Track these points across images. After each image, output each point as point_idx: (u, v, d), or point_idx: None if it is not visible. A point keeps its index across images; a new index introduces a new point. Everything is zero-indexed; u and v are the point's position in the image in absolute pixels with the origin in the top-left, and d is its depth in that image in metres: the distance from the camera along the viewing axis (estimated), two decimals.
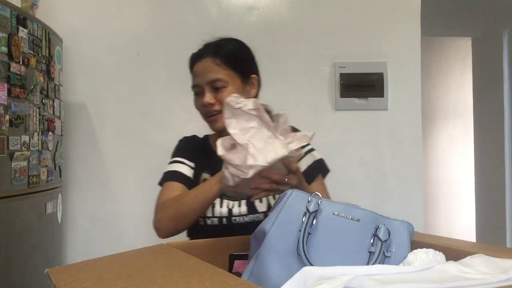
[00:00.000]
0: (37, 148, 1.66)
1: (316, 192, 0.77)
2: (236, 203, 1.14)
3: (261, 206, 1.13)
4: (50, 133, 1.79)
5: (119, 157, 2.13)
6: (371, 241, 0.73)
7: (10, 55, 1.49)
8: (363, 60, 2.18)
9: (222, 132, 1.21)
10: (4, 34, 1.47)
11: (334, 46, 2.17)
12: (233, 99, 0.91)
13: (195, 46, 2.14)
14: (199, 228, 1.13)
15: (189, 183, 1.19)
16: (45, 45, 1.77)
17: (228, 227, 1.11)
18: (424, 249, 0.71)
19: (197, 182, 1.19)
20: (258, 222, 0.83)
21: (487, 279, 0.56)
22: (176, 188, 1.17)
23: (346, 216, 0.75)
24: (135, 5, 2.15)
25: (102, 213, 2.11)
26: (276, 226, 0.74)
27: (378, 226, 0.74)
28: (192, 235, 1.19)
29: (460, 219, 4.43)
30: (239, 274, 0.77)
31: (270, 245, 0.73)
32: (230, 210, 1.13)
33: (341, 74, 2.16)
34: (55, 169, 1.85)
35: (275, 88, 1.92)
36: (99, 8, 2.14)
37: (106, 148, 2.14)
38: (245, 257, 0.85)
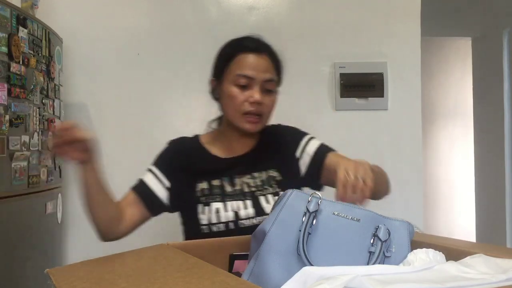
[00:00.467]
0: (37, 148, 1.66)
1: (316, 192, 0.77)
2: (242, 205, 1.10)
3: (268, 207, 1.09)
4: (50, 133, 1.79)
5: (119, 157, 2.13)
6: (371, 241, 0.73)
7: (10, 55, 1.49)
8: (363, 60, 2.18)
9: (248, 135, 1.18)
10: (4, 34, 1.47)
11: (334, 46, 2.17)
12: None
13: (195, 46, 2.15)
14: (204, 235, 1.08)
15: (149, 197, 1.18)
16: (45, 45, 1.77)
17: (235, 232, 1.05)
18: (424, 249, 0.71)
19: (162, 202, 1.17)
20: None
21: (487, 279, 0.56)
22: (127, 196, 1.20)
23: (346, 216, 0.75)
24: (135, 5, 2.15)
25: None
26: (276, 226, 0.74)
27: (378, 226, 0.74)
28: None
29: (460, 219, 4.43)
30: (239, 274, 0.77)
31: (270, 245, 0.73)
32: (236, 213, 1.09)
33: (341, 74, 2.16)
34: (55, 169, 1.85)
35: None
36: (99, 8, 2.14)
37: (106, 148, 2.13)
38: (245, 257, 0.85)
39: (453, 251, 0.73)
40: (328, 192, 1.24)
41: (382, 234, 0.73)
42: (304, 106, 2.16)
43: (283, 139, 1.24)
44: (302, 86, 2.16)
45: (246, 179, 1.14)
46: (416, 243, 0.78)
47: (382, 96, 2.18)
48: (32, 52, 1.64)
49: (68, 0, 2.14)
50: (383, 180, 1.14)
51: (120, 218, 1.13)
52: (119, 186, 2.12)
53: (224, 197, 1.12)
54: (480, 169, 3.42)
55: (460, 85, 4.45)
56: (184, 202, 1.13)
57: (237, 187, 1.13)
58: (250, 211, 1.09)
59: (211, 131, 1.31)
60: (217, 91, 1.22)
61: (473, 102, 3.51)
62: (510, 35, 3.07)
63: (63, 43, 2.02)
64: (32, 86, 1.63)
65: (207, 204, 1.11)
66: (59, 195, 1.91)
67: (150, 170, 1.22)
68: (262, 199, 1.11)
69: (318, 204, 0.74)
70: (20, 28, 1.56)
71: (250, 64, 1.12)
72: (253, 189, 1.13)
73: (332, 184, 1.05)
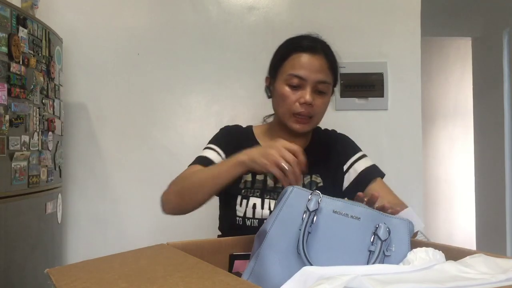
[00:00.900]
0: (37, 148, 1.66)
1: (316, 191, 0.76)
2: None
3: None
4: (50, 133, 1.79)
5: (119, 157, 2.13)
6: (371, 240, 0.73)
7: (10, 55, 1.49)
8: (363, 60, 2.18)
9: (297, 135, 1.18)
10: (4, 34, 1.47)
11: (334, 46, 2.16)
12: None
13: (195, 46, 2.15)
14: (237, 227, 1.10)
15: None
16: (45, 45, 1.77)
17: None
18: (423, 248, 0.71)
19: None
20: None
21: (487, 279, 0.56)
22: (196, 170, 1.11)
23: (346, 214, 0.75)
24: (135, 5, 2.15)
25: (102, 213, 2.11)
26: (276, 225, 0.74)
27: (378, 225, 0.74)
28: (227, 232, 1.15)
29: (460, 219, 4.43)
30: (239, 274, 0.77)
31: (270, 244, 0.73)
32: (271, 212, 1.09)
33: (341, 74, 2.14)
34: (55, 169, 1.85)
35: None
36: (99, 8, 2.14)
37: (106, 148, 2.14)
38: (245, 257, 0.85)
39: (453, 251, 0.73)
40: None
41: (382, 233, 0.73)
42: None
43: (334, 147, 1.24)
44: None
45: None
46: (415, 243, 0.78)
47: (382, 96, 2.18)
48: (32, 52, 1.64)
49: (68, 0, 2.14)
50: None
51: None
52: (119, 186, 2.13)
53: (263, 193, 1.12)
54: (480, 169, 3.42)
55: (460, 85, 4.45)
56: (228, 188, 1.08)
57: (279, 185, 1.13)
58: None
59: (264, 124, 1.31)
60: (270, 89, 1.21)
61: (473, 102, 3.51)
62: (510, 35, 3.07)
63: (63, 43, 2.02)
64: (32, 86, 1.63)
65: (246, 197, 1.12)
66: (59, 195, 1.91)
67: (209, 148, 1.19)
68: None
69: (318, 203, 0.74)
70: (20, 28, 1.56)
71: (303, 64, 1.11)
72: None
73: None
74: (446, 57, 4.52)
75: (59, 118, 1.91)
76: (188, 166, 1.16)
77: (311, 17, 2.17)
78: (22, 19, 1.58)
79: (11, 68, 1.50)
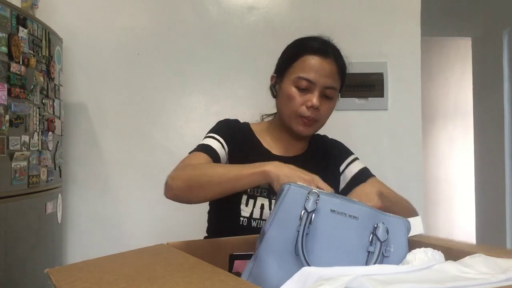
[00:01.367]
0: (37, 148, 1.66)
1: (314, 189, 0.75)
2: None
3: None
4: (50, 133, 1.79)
5: (119, 157, 2.13)
6: (370, 240, 0.73)
7: (10, 55, 1.49)
8: (363, 60, 2.18)
9: (304, 137, 1.18)
10: (4, 34, 1.47)
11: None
12: None
13: (195, 46, 2.15)
14: (240, 228, 1.06)
15: (217, 161, 1.09)
16: (45, 45, 1.77)
17: None
18: (422, 248, 0.71)
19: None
20: None
21: (487, 279, 0.56)
22: (201, 158, 1.07)
23: (344, 213, 0.74)
24: (135, 5, 2.16)
25: (102, 213, 2.11)
26: (274, 226, 0.73)
27: (376, 225, 0.74)
28: (224, 234, 1.11)
29: (460, 219, 4.43)
30: (239, 274, 0.77)
31: (268, 245, 0.72)
32: None
33: None
34: (55, 169, 1.85)
35: None
36: (99, 8, 2.14)
37: (106, 148, 2.14)
38: (245, 257, 0.84)
39: (453, 251, 0.73)
40: None
41: (381, 233, 0.73)
42: None
43: (330, 151, 1.25)
44: None
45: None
46: (415, 243, 0.78)
47: (382, 96, 2.18)
48: (32, 52, 1.64)
49: (68, 0, 2.14)
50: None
51: None
52: (119, 186, 2.13)
53: (270, 193, 1.09)
54: (480, 169, 3.42)
55: (460, 85, 4.45)
56: None
57: None
58: None
59: (262, 122, 1.29)
60: (275, 88, 1.19)
61: (473, 102, 3.51)
62: (510, 35, 3.07)
63: (63, 43, 2.02)
64: (32, 86, 1.63)
65: (252, 197, 1.08)
66: (59, 195, 1.91)
67: (211, 137, 1.14)
68: None
69: (316, 203, 0.73)
70: (20, 28, 1.56)
71: (313, 67, 1.09)
72: None
73: None
74: (446, 57, 4.52)
75: (59, 118, 1.91)
76: (190, 153, 1.11)
77: (311, 17, 2.17)
78: (22, 19, 1.58)
79: (11, 68, 1.50)
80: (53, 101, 1.84)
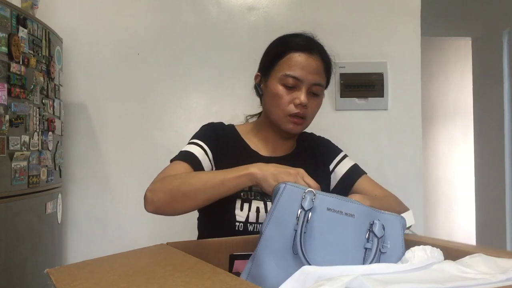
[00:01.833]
0: (37, 148, 1.66)
1: (310, 188, 0.75)
2: None
3: None
4: (50, 133, 1.79)
5: (119, 157, 2.13)
6: (366, 237, 0.73)
7: (10, 55, 1.49)
8: (363, 60, 2.18)
9: (292, 136, 1.17)
10: (4, 34, 1.47)
11: (334, 46, 2.16)
12: None
13: (195, 46, 2.15)
14: (236, 234, 1.02)
15: (200, 168, 1.07)
16: (45, 45, 1.77)
17: None
18: (421, 246, 0.71)
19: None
20: None
21: (487, 279, 0.56)
22: (183, 168, 1.04)
23: (341, 211, 0.74)
24: (135, 5, 2.16)
25: (102, 213, 2.11)
26: (271, 225, 0.73)
27: (373, 222, 0.74)
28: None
29: (460, 219, 4.44)
30: (239, 274, 0.77)
31: (266, 244, 0.72)
32: None
33: (341, 74, 2.16)
34: (55, 169, 1.85)
35: None
36: (99, 8, 2.14)
37: (106, 148, 2.14)
38: (245, 257, 0.84)
39: (452, 251, 0.73)
40: None
41: (377, 230, 0.73)
42: None
43: (318, 149, 1.24)
44: None
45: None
46: (414, 243, 0.78)
47: (382, 96, 2.18)
48: (32, 52, 1.64)
49: (68, 0, 2.14)
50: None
51: None
52: (119, 186, 2.13)
53: (264, 195, 1.07)
54: (480, 169, 3.42)
55: (460, 85, 4.45)
56: None
57: None
58: None
59: (247, 123, 1.27)
60: (261, 86, 1.17)
61: (473, 102, 3.51)
62: (510, 35, 3.07)
63: (63, 43, 2.02)
64: (32, 86, 1.63)
65: (247, 200, 1.06)
66: (59, 195, 1.91)
67: (194, 143, 1.11)
68: None
69: (313, 201, 0.73)
70: (20, 28, 1.56)
71: (300, 64, 1.07)
72: None
73: None
74: (446, 57, 4.52)
75: (59, 118, 1.91)
76: (171, 162, 1.08)
77: (311, 17, 2.17)
78: (22, 19, 1.58)
79: (11, 68, 1.50)
80: (53, 101, 1.84)
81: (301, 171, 0.86)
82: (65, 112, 2.07)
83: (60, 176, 1.94)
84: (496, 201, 3.16)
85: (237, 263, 0.85)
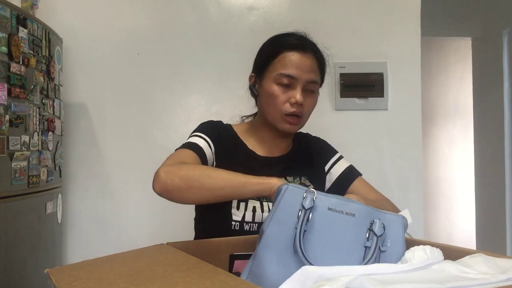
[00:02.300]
0: (37, 148, 1.66)
1: (311, 188, 0.76)
2: None
3: None
4: (50, 133, 1.79)
5: (119, 157, 2.13)
6: (367, 236, 0.73)
7: (10, 55, 1.49)
8: (363, 60, 2.18)
9: (288, 135, 1.17)
10: (4, 34, 1.47)
11: (334, 46, 2.16)
12: None
13: (195, 46, 2.15)
14: (232, 233, 1.02)
15: (204, 160, 1.06)
16: (45, 45, 1.77)
17: None
18: (421, 246, 0.71)
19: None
20: None
21: (487, 279, 0.56)
22: (191, 156, 1.04)
23: (341, 211, 0.75)
24: (135, 5, 2.16)
25: (102, 213, 2.11)
26: (272, 224, 0.74)
27: (373, 221, 0.74)
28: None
29: (460, 219, 4.44)
30: (239, 274, 0.77)
31: (267, 243, 0.73)
32: None
33: (341, 74, 2.16)
34: (55, 169, 1.85)
35: None
36: (99, 8, 2.14)
37: (106, 148, 2.14)
38: (245, 257, 0.85)
39: (453, 251, 0.73)
40: None
41: (377, 228, 0.73)
42: None
43: (314, 150, 1.24)
44: None
45: None
46: (413, 242, 0.78)
47: (382, 96, 2.18)
48: (32, 52, 1.64)
49: (68, 0, 2.14)
50: None
51: None
52: (119, 186, 2.13)
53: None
54: (480, 169, 3.42)
55: (460, 85, 4.45)
56: None
57: None
58: None
59: (243, 123, 1.27)
60: (256, 87, 1.17)
61: (473, 102, 3.51)
62: (510, 35, 3.07)
63: (63, 43, 2.02)
64: (32, 86, 1.63)
65: (243, 200, 1.05)
66: (59, 195, 1.91)
67: (198, 136, 1.11)
68: None
69: (313, 200, 0.73)
70: (20, 28, 1.56)
71: (294, 62, 1.08)
72: None
73: None
74: (446, 57, 4.52)
75: (59, 118, 1.91)
76: (176, 150, 1.08)
77: (311, 17, 2.17)
78: (22, 19, 1.58)
79: (11, 68, 1.50)
80: (53, 101, 1.84)
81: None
82: (65, 112, 2.07)
83: (60, 176, 1.94)
84: (496, 201, 3.16)
85: (237, 263, 0.85)
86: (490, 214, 3.26)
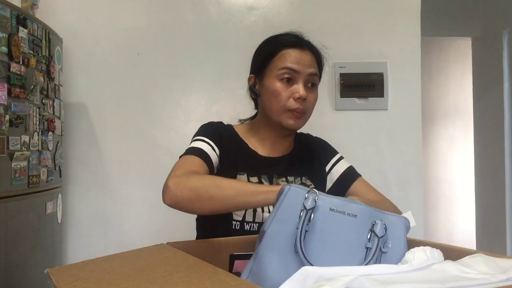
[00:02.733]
0: (37, 148, 1.66)
1: (313, 188, 0.76)
2: None
3: None
4: (50, 133, 1.79)
5: (119, 157, 2.13)
6: (368, 237, 0.73)
7: (10, 55, 1.49)
8: (363, 60, 2.18)
9: (291, 132, 1.16)
10: (4, 34, 1.47)
11: (334, 46, 2.15)
12: None
13: (195, 46, 2.15)
14: (233, 233, 1.02)
15: (210, 165, 1.06)
16: (45, 45, 1.77)
17: None
18: (421, 247, 0.71)
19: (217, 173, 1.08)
20: None
21: (487, 279, 0.56)
22: (197, 163, 1.03)
23: (343, 211, 0.75)
24: (135, 5, 2.16)
25: (102, 212, 2.11)
26: (274, 224, 0.74)
27: (374, 222, 0.74)
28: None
29: (460, 219, 4.44)
30: (239, 274, 0.77)
31: (268, 243, 0.73)
32: None
33: (341, 74, 2.17)
34: (55, 169, 1.85)
35: None
36: (99, 8, 2.14)
37: (106, 148, 2.14)
38: (245, 257, 0.84)
39: (453, 251, 0.73)
40: None
41: (378, 229, 0.73)
42: None
43: (315, 150, 1.25)
44: None
45: (281, 181, 1.13)
46: (414, 243, 0.78)
47: (382, 96, 2.18)
48: (32, 52, 1.64)
49: (68, 0, 2.14)
50: None
51: None
52: (119, 186, 2.13)
53: None
54: (480, 169, 3.42)
55: (460, 85, 4.45)
56: None
57: None
58: None
59: (243, 123, 1.27)
60: (256, 87, 1.17)
61: (473, 102, 3.51)
62: (510, 35, 3.07)
63: (63, 43, 2.02)
64: (32, 86, 1.63)
65: None
66: (59, 195, 1.91)
67: (201, 140, 1.10)
68: None
69: (315, 201, 0.74)
70: (20, 28, 1.56)
71: (294, 58, 1.09)
72: None
73: None
74: (446, 57, 4.52)
75: (59, 118, 1.91)
76: (181, 157, 1.06)
77: (311, 17, 2.17)
78: (22, 19, 1.58)
79: (11, 68, 1.50)
80: (53, 101, 1.84)
81: None
82: (65, 112, 2.07)
83: (60, 176, 1.94)
84: (496, 201, 3.16)
85: (237, 263, 0.85)
86: (490, 214, 3.26)
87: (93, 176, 2.12)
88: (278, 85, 1.09)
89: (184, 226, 1.83)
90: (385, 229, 0.74)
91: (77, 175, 2.13)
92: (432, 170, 4.42)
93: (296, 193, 0.75)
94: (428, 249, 0.70)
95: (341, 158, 1.26)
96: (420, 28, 2.21)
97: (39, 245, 1.69)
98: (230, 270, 0.85)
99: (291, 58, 1.09)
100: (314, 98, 1.14)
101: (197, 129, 1.19)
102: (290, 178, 1.15)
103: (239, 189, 0.88)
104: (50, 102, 1.80)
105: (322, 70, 1.19)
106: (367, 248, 0.73)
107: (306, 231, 0.72)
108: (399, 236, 0.75)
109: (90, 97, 2.14)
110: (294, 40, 1.13)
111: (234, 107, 2.12)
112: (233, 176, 1.08)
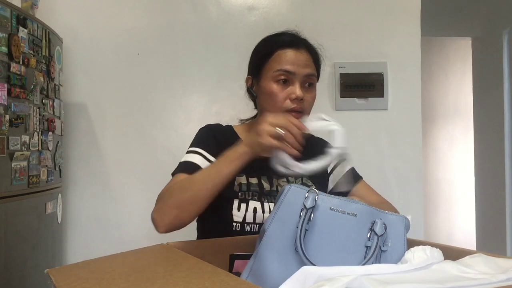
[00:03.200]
0: (37, 148, 1.66)
1: (313, 188, 0.76)
2: None
3: None
4: (50, 133, 1.79)
5: (119, 157, 2.13)
6: (368, 236, 0.74)
7: (10, 55, 1.49)
8: (363, 60, 2.18)
9: None
10: (4, 34, 1.47)
11: (334, 46, 2.17)
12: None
13: (195, 46, 2.15)
14: (233, 234, 1.02)
15: None
16: (45, 45, 1.77)
17: None
18: (421, 246, 0.71)
19: None
20: None
21: (488, 279, 0.56)
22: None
23: (343, 211, 0.75)
24: (135, 5, 2.16)
25: (102, 213, 2.11)
26: (274, 223, 0.74)
27: (374, 221, 0.74)
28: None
29: (460, 219, 4.43)
30: (239, 274, 0.77)
31: (269, 242, 0.73)
32: None
33: (341, 74, 2.17)
34: (55, 169, 1.85)
35: None
36: (99, 8, 2.14)
37: (106, 148, 2.14)
38: (245, 257, 0.85)
39: (453, 251, 0.73)
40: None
41: (378, 228, 0.74)
42: None
43: (316, 150, 1.24)
44: None
45: (282, 182, 1.13)
46: (413, 243, 0.78)
47: (382, 96, 2.18)
48: (32, 52, 1.64)
49: (68, 0, 2.14)
50: None
51: None
52: (119, 186, 2.13)
53: (261, 196, 1.07)
54: (480, 169, 3.42)
55: (460, 85, 4.45)
56: (221, 192, 1.00)
57: (273, 188, 1.11)
58: None
59: (243, 124, 1.27)
60: (254, 89, 1.17)
61: (473, 102, 3.51)
62: (510, 35, 3.07)
63: (63, 43, 2.02)
64: (32, 86, 1.63)
65: (245, 201, 1.06)
66: (59, 195, 1.91)
67: (194, 152, 1.11)
68: None
69: (315, 200, 0.74)
70: (20, 28, 1.56)
71: (290, 59, 1.08)
72: None
73: None
74: (446, 57, 4.52)
75: (59, 118, 1.91)
76: (172, 175, 1.08)
77: (311, 17, 2.17)
78: (22, 19, 1.58)
79: (11, 68, 1.50)
80: (53, 101, 1.84)
81: (267, 115, 0.94)
82: (65, 112, 2.07)
83: (60, 176, 1.94)
84: (496, 201, 3.16)
85: (237, 263, 0.85)
86: (490, 214, 3.26)
87: (93, 176, 2.12)
88: (274, 86, 1.09)
89: (184, 226, 1.83)
90: (385, 228, 0.74)
91: (77, 175, 2.13)
92: (432, 170, 4.42)
93: (296, 193, 0.76)
94: (428, 248, 0.70)
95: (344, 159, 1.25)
96: (420, 28, 2.21)
97: (39, 245, 1.69)
98: (230, 270, 0.85)
99: (287, 59, 1.09)
100: (312, 98, 1.13)
101: (197, 130, 1.19)
102: (291, 179, 1.15)
103: (201, 180, 0.94)
104: (50, 102, 1.80)
105: (320, 69, 1.18)
106: (366, 246, 0.73)
107: (306, 230, 0.72)
108: (399, 234, 0.75)
109: (90, 97, 2.14)
110: (289, 40, 1.12)
111: (234, 107, 2.12)
112: (233, 178, 1.07)
